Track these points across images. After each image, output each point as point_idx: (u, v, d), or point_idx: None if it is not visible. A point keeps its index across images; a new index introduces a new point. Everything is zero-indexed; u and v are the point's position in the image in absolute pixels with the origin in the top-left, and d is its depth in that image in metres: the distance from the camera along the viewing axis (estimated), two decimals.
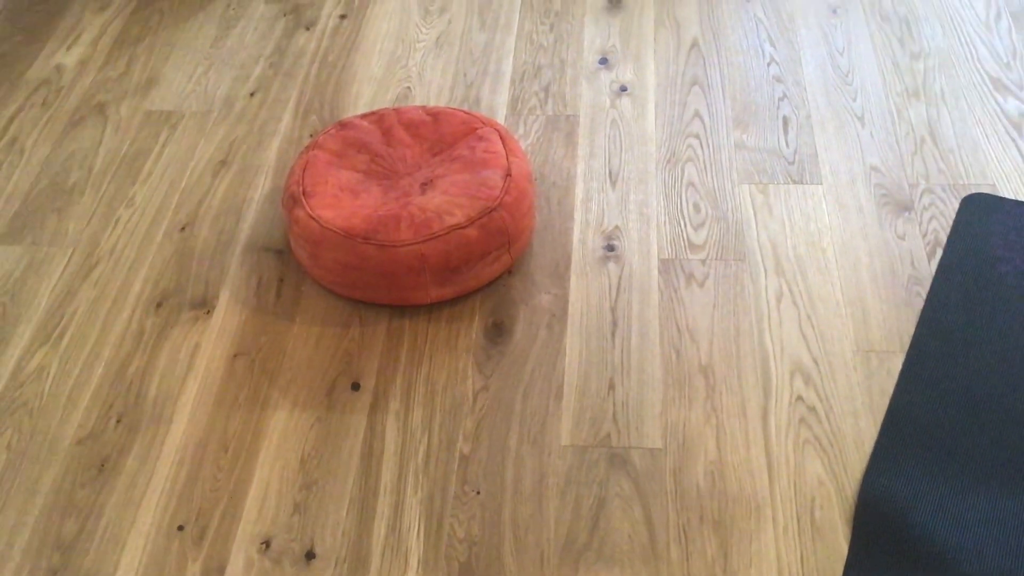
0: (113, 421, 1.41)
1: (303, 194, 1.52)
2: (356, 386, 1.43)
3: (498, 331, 1.49)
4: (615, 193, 1.68)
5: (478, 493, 1.31)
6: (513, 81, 1.90)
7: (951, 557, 1.19)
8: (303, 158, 1.59)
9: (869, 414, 1.35)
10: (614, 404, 1.39)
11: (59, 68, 2.00)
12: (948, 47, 1.89)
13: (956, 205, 1.61)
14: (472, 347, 1.47)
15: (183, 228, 1.67)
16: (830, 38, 1.94)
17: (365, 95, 1.89)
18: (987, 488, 1.26)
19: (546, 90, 1.87)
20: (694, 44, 1.95)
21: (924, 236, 1.57)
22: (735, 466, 1.31)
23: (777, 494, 1.28)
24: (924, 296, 1.49)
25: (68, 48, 2.04)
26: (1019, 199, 1.61)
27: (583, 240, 1.61)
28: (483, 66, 1.94)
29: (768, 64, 1.89)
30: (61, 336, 1.51)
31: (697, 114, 1.80)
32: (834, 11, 1.99)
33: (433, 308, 1.53)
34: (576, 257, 1.58)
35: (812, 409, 1.37)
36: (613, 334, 1.47)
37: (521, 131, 1.80)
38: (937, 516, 1.24)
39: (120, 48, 2.04)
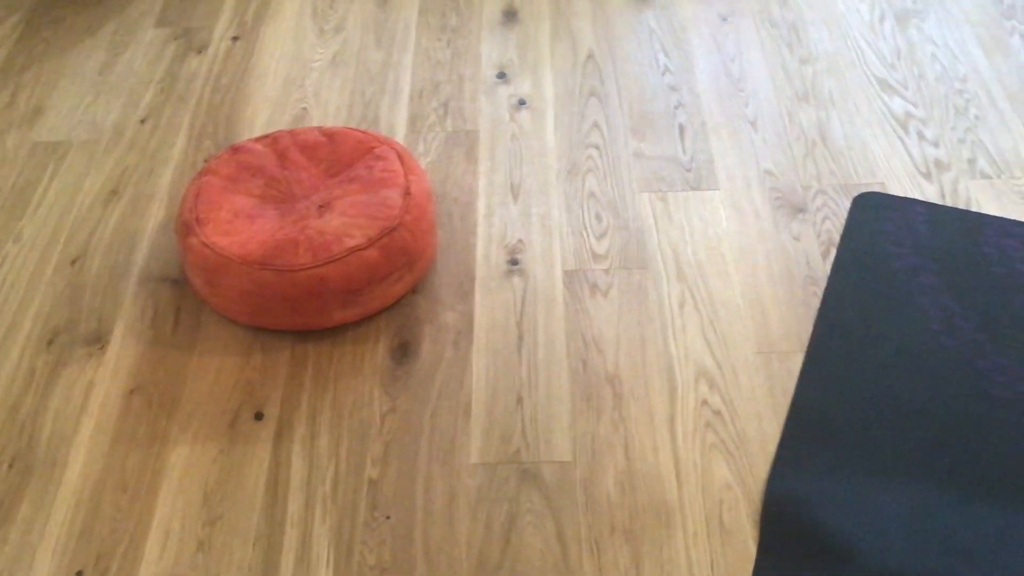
0: (5, 466, 1.35)
1: (196, 221, 1.49)
2: (259, 415, 1.40)
3: (404, 351, 1.47)
4: (517, 207, 1.68)
5: (388, 518, 1.29)
6: (412, 98, 1.89)
7: (858, 551, 1.22)
8: (195, 184, 1.55)
9: (772, 415, 1.37)
10: (523, 419, 1.38)
11: None
12: (835, 50, 1.94)
13: (848, 205, 1.65)
14: (378, 369, 1.45)
15: (74, 261, 1.61)
16: (721, 46, 1.97)
17: (261, 117, 1.86)
18: (890, 481, 1.29)
19: (445, 106, 1.87)
20: (590, 56, 1.96)
21: (818, 236, 1.60)
22: (644, 474, 1.32)
23: (686, 500, 1.29)
24: (820, 295, 1.52)
25: None
26: (908, 196, 1.65)
27: (487, 255, 1.60)
28: (381, 84, 1.92)
29: (663, 73, 1.91)
30: None
31: (596, 125, 1.82)
32: (724, 19, 2.03)
33: (337, 331, 1.50)
34: (480, 273, 1.58)
35: (717, 413, 1.38)
36: (519, 349, 1.47)
37: (421, 148, 1.78)
38: (842, 512, 1.26)
39: (4, 78, 1.97)
